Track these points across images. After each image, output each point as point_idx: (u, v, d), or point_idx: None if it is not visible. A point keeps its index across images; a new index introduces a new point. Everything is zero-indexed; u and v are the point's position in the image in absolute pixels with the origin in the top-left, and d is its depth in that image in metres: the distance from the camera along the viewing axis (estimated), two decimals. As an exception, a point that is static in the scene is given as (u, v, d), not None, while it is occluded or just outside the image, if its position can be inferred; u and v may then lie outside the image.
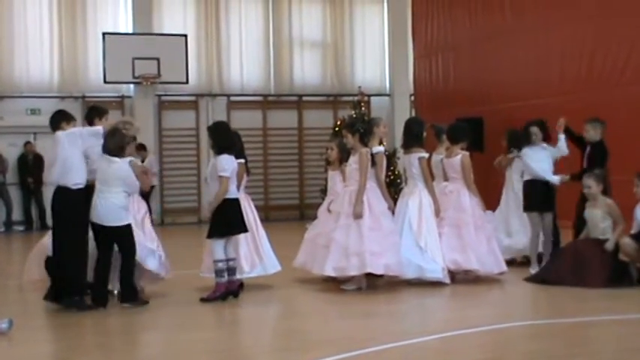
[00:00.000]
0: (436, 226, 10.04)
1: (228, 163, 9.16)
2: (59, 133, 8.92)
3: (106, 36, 19.58)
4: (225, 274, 9.14)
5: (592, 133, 10.79)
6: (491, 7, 16.93)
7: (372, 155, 9.84)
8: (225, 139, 9.36)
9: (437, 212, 10.09)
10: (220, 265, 9.12)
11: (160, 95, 20.59)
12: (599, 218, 9.92)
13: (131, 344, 7.63)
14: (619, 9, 13.48)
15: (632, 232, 9.74)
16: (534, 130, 10.98)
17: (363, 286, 9.70)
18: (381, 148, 10.49)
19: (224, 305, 9.01)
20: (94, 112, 9.53)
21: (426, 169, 10.18)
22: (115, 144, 8.89)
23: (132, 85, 20.16)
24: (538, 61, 15.49)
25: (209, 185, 9.47)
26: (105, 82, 19.60)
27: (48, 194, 19.00)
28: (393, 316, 8.64)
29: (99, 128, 8.96)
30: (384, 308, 9.03)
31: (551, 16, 15.11)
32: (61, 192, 8.76)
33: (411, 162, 10.20)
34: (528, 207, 10.86)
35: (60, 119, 9.14)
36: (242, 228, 9.31)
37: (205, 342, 7.40)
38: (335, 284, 9.85)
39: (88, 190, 8.90)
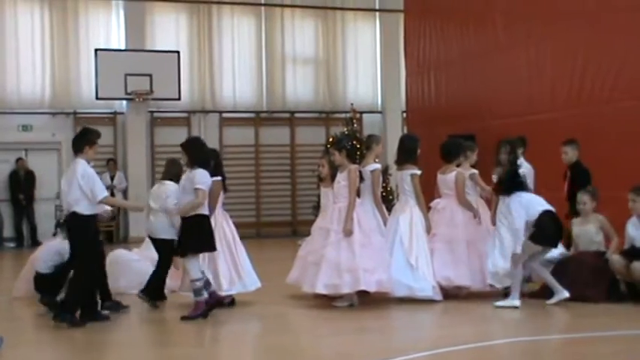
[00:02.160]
0: (427, 243, 10.04)
1: (204, 177, 9.13)
2: (80, 160, 8.98)
3: (98, 52, 19.59)
4: (204, 292, 9.08)
5: (571, 155, 10.83)
6: (483, 25, 16.97)
7: (360, 172, 9.87)
8: (199, 154, 9.32)
9: (428, 229, 10.10)
10: (198, 284, 9.06)
11: (152, 111, 20.59)
12: (593, 234, 9.97)
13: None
14: (609, 26, 13.52)
15: (625, 247, 9.75)
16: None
17: (355, 302, 9.67)
18: (378, 165, 10.53)
19: (214, 322, 8.97)
20: (83, 141, 9.21)
21: (418, 185, 10.16)
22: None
23: (124, 102, 20.17)
24: (530, 78, 15.52)
25: (177, 200, 9.38)
26: (97, 98, 19.60)
27: (39, 211, 19.40)
28: (385, 333, 8.62)
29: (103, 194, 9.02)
30: (376, 324, 8.99)
31: (542, 33, 15.15)
32: (74, 217, 8.89)
33: (403, 178, 10.21)
34: (539, 240, 9.63)
35: (83, 143, 9.12)
36: (214, 246, 9.26)
37: (192, 358, 7.35)
38: (326, 301, 9.81)
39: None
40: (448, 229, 10.25)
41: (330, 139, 18.56)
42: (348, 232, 9.53)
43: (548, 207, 9.53)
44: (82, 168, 8.90)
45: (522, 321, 9.01)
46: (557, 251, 9.92)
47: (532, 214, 9.43)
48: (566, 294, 9.37)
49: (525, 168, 11.24)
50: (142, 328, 8.83)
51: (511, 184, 9.66)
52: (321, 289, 9.55)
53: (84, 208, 8.84)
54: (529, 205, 9.50)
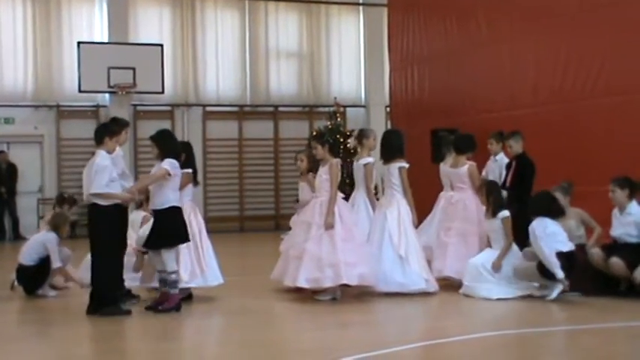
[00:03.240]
0: (415, 235, 10.13)
1: (172, 163, 9.12)
2: (100, 152, 9.04)
3: (81, 45, 19.51)
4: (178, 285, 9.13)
5: (515, 147, 10.91)
6: (466, 20, 17.02)
7: (342, 166, 9.93)
8: (169, 146, 9.31)
9: (415, 223, 10.18)
10: (174, 276, 9.08)
11: (135, 105, 20.53)
12: (574, 228, 10.02)
13: (105, 353, 7.57)
14: (591, 22, 13.60)
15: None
16: (490, 140, 11.52)
17: (338, 295, 9.70)
18: (371, 159, 10.54)
19: (197, 315, 8.98)
20: (105, 133, 9.37)
21: (406, 179, 10.18)
22: None
23: (107, 95, 20.10)
24: (512, 73, 15.59)
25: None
26: (80, 91, 19.52)
27: (21, 204, 19.31)
28: (370, 326, 8.63)
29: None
30: (361, 318, 9.02)
31: (525, 28, 15.21)
32: (95, 207, 8.93)
33: (391, 172, 10.20)
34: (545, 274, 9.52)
35: (103, 134, 9.23)
36: (187, 237, 9.27)
37: (177, 352, 7.36)
38: (309, 294, 9.82)
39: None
40: (463, 223, 10.45)
41: (314, 133, 18.62)
42: (329, 226, 9.55)
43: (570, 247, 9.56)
44: (100, 159, 8.95)
45: (508, 314, 9.06)
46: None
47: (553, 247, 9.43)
48: (561, 285, 9.34)
49: (503, 162, 11.46)
50: (134, 321, 8.81)
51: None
52: (302, 283, 9.56)
53: (103, 199, 8.87)
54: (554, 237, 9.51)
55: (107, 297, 8.92)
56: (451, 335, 7.71)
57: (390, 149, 10.32)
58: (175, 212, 9.13)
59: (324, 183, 9.81)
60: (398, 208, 10.09)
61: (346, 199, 10.25)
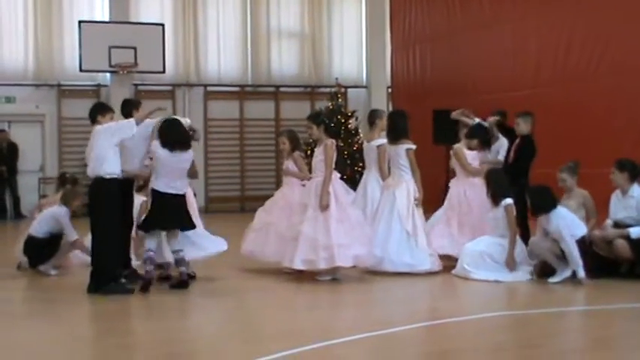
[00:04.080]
0: (422, 216, 10.20)
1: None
2: (97, 127, 9.14)
3: (82, 24, 19.43)
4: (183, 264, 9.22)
5: (523, 127, 10.83)
6: (468, 0, 16.97)
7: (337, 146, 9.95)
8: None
9: (422, 203, 10.20)
10: (181, 253, 9.23)
11: (136, 84, 20.48)
12: (574, 209, 9.93)
13: (95, 332, 7.58)
14: (594, 3, 13.56)
15: (607, 221, 9.78)
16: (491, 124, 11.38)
17: (338, 276, 9.70)
18: (384, 140, 10.56)
19: (189, 295, 8.98)
20: (130, 106, 9.98)
21: (414, 160, 10.21)
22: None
23: (108, 74, 20.04)
24: (515, 54, 15.56)
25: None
26: (81, 70, 19.46)
27: (22, 183, 19.30)
28: (369, 306, 8.63)
29: (131, 121, 9.21)
30: (359, 298, 9.04)
31: (528, 8, 15.17)
32: (96, 183, 8.96)
33: (398, 153, 10.23)
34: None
35: (95, 112, 9.37)
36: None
37: (169, 331, 7.36)
38: (309, 274, 9.82)
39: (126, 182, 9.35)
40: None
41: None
42: (324, 207, 9.52)
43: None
44: (101, 128, 9.04)
45: (506, 295, 9.08)
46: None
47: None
48: (569, 272, 9.34)
49: (503, 141, 11.44)
50: (126, 300, 8.81)
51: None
52: (299, 265, 9.55)
53: (107, 167, 8.88)
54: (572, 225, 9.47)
55: (107, 274, 8.92)
56: (452, 316, 7.71)
57: (396, 130, 10.35)
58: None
59: (319, 164, 9.76)
60: (407, 188, 10.14)
61: (344, 179, 10.25)
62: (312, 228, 9.53)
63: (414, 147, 10.24)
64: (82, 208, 10.33)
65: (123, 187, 9.23)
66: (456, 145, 10.88)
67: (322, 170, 9.70)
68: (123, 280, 9.25)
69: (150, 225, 9.22)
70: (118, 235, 9.13)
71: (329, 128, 9.98)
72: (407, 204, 10.07)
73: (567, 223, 9.39)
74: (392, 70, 20.55)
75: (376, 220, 10.18)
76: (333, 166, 9.78)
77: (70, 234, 10.39)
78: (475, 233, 10.17)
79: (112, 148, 8.95)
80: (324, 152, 9.72)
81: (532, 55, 15.05)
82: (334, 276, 9.69)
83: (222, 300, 8.92)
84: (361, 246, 9.59)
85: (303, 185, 10.20)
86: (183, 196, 9.32)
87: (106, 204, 8.92)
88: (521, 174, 10.57)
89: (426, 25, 18.66)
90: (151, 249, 9.14)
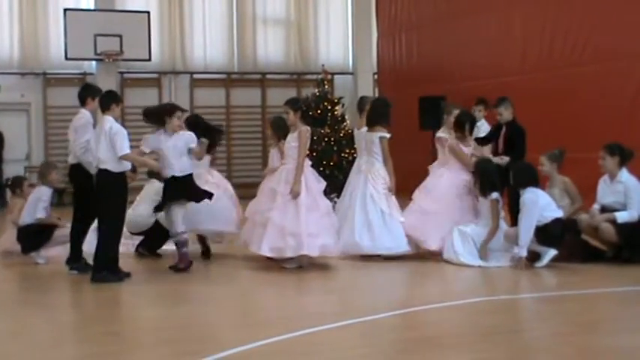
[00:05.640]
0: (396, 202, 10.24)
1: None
2: (107, 117, 9.13)
3: (67, 12, 19.35)
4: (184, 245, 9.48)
5: (505, 114, 10.80)
6: (454, -14, 16.99)
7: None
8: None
9: (393, 190, 10.23)
10: (184, 236, 9.49)
11: (122, 72, 20.43)
12: (558, 197, 9.95)
13: (92, 320, 7.59)
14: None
15: (593, 206, 9.83)
16: (479, 107, 11.68)
17: (304, 263, 9.62)
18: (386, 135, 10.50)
19: (182, 282, 9.02)
20: (87, 92, 9.73)
21: (386, 148, 10.25)
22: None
23: (94, 62, 19.98)
24: (500, 40, 15.59)
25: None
26: (66, 58, 19.41)
27: (8, 172, 19.23)
28: (355, 293, 8.65)
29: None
30: (344, 284, 9.11)
31: (513, -5, 15.21)
32: (109, 175, 9.00)
33: (372, 140, 10.28)
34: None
35: (109, 101, 9.29)
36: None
37: (166, 318, 7.39)
38: (277, 262, 9.75)
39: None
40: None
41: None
42: (296, 194, 9.46)
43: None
44: (110, 124, 9.01)
45: (492, 280, 9.12)
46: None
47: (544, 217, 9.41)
48: (553, 251, 9.38)
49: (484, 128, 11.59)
50: (120, 288, 8.84)
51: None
52: (266, 252, 9.49)
53: (113, 166, 8.94)
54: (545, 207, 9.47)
55: (113, 263, 9.04)
56: (438, 301, 7.75)
57: (374, 116, 10.38)
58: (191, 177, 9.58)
59: (292, 150, 9.69)
60: (379, 173, 10.20)
61: (330, 166, 10.29)
62: (281, 215, 9.45)
63: (387, 135, 10.27)
64: (60, 180, 10.54)
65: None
66: (451, 142, 10.57)
67: (294, 157, 9.63)
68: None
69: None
70: (121, 225, 9.27)
71: (306, 115, 9.90)
72: (379, 187, 10.14)
73: (540, 203, 9.39)
74: (378, 57, 20.56)
75: (351, 206, 10.22)
76: (306, 153, 9.78)
77: (38, 212, 10.40)
78: (438, 220, 10.14)
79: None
80: (298, 139, 9.64)
81: (518, 42, 15.09)
82: (300, 264, 9.61)
83: (207, 288, 8.92)
84: (328, 236, 9.56)
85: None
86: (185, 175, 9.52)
87: (116, 194, 8.99)
88: (519, 159, 10.41)
89: (412, 11, 18.67)
90: (183, 232, 9.41)
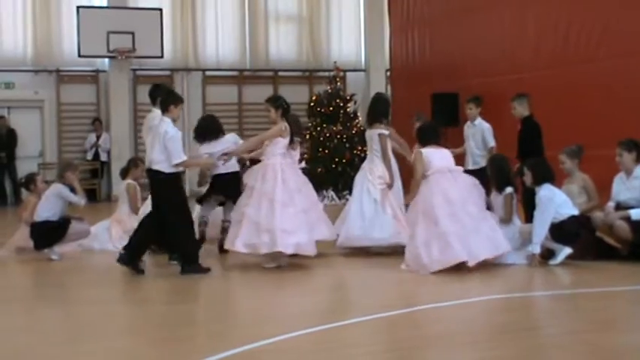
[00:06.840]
0: (393, 197, 10.24)
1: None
2: (166, 120, 9.14)
3: (80, 9, 19.42)
4: None
5: (520, 110, 10.74)
6: (467, -18, 16.92)
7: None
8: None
9: (390, 187, 10.23)
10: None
11: (134, 69, 20.47)
12: (576, 193, 9.89)
13: (106, 316, 7.59)
14: (594, -16, 13.52)
15: (608, 203, 9.76)
16: (470, 105, 11.68)
17: (283, 263, 9.47)
18: (386, 132, 10.45)
19: (189, 280, 8.97)
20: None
21: (385, 145, 10.27)
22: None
23: (106, 59, 20.04)
24: (514, 37, 15.52)
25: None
26: (79, 55, 19.48)
27: (22, 169, 19.33)
28: (364, 290, 8.61)
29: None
30: (351, 282, 9.10)
31: (526, -9, 15.13)
32: (172, 177, 9.12)
33: (372, 138, 10.35)
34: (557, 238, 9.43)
35: (168, 102, 9.26)
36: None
37: (179, 314, 7.38)
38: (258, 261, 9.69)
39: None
40: None
41: (314, 98, 18.60)
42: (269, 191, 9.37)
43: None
44: (166, 127, 9.00)
45: (506, 278, 9.07)
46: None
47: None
48: (568, 249, 9.30)
49: (485, 126, 11.72)
50: (137, 284, 8.84)
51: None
52: (240, 248, 9.33)
53: (166, 167, 8.98)
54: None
55: (195, 256, 9.20)
56: (453, 298, 7.71)
57: (373, 114, 10.45)
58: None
59: (270, 147, 9.64)
60: (377, 169, 10.23)
61: (343, 163, 10.31)
62: (255, 211, 9.30)
63: (386, 133, 10.28)
64: (77, 178, 10.75)
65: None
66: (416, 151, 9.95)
67: (274, 154, 9.58)
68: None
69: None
70: (191, 220, 9.51)
71: (287, 113, 9.88)
72: (377, 182, 10.15)
73: (556, 200, 9.33)
74: (391, 54, 20.51)
75: (350, 200, 10.37)
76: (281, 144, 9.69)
77: (76, 201, 10.56)
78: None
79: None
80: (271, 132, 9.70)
81: (531, 38, 15.01)
82: (279, 263, 9.44)
83: (217, 283, 8.92)
84: (303, 234, 9.37)
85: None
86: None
87: (176, 193, 9.18)
88: (537, 155, 10.33)
89: (425, 7, 18.61)
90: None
